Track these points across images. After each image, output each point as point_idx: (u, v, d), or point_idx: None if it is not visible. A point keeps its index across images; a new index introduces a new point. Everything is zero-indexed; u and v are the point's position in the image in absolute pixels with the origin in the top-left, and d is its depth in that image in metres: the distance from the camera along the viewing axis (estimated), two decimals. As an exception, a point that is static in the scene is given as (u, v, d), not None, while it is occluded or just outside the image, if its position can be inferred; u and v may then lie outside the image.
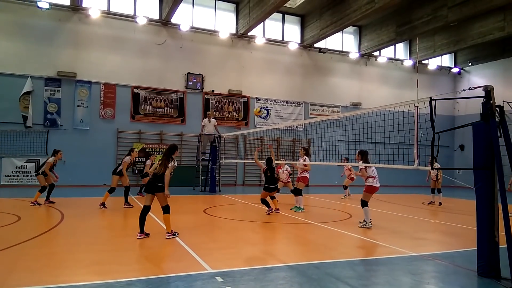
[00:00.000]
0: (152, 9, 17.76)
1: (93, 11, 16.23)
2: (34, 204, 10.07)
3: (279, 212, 9.86)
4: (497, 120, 4.88)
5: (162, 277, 4.50)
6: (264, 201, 9.84)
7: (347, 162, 13.41)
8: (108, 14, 16.87)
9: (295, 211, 10.25)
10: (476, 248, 4.96)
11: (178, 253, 5.65)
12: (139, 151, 16.74)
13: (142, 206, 6.73)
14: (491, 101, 4.85)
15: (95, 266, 4.91)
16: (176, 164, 7.01)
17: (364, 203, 8.23)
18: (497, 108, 4.91)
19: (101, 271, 4.71)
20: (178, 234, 6.71)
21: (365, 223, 8.22)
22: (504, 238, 4.58)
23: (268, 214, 9.64)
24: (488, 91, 4.90)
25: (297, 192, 10.44)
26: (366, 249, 6.36)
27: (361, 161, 8.30)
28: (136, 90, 17.22)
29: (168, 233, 6.60)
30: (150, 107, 17.46)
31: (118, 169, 10.58)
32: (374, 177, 8.28)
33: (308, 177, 10.64)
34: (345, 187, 14.54)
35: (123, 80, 16.98)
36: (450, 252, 6.27)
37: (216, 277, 4.48)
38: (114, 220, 8.96)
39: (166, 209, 6.68)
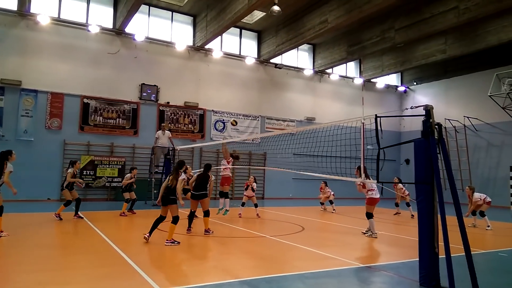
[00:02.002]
0: (106, 18, 17.29)
1: (43, 17, 15.49)
2: (57, 217, 10.12)
3: (208, 234, 8.66)
4: (436, 137, 5.19)
5: (106, 297, 4.29)
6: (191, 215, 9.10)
7: (326, 186, 15.00)
8: (58, 21, 16.18)
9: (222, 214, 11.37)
10: (418, 259, 5.21)
11: (126, 272, 5.42)
12: (87, 163, 16.06)
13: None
14: (431, 120, 5.17)
15: (36, 287, 4.60)
16: (185, 177, 8.96)
17: (369, 215, 8.90)
18: (436, 126, 5.23)
19: (39, 293, 4.42)
20: (179, 243, 7.34)
21: (370, 233, 8.92)
22: (443, 249, 4.85)
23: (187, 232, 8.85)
24: (428, 110, 5.22)
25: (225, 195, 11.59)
26: (316, 261, 6.47)
27: (360, 177, 8.49)
28: (86, 100, 16.54)
29: (167, 240, 7.31)
30: (101, 118, 16.81)
31: (65, 183, 10.46)
32: (373, 190, 8.88)
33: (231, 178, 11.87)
34: (322, 203, 15.22)
35: (72, 89, 16.26)
36: (396, 263, 6.54)
37: (165, 296, 4.35)
38: (58, 237, 8.46)
39: (175, 220, 7.48)
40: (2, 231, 7.73)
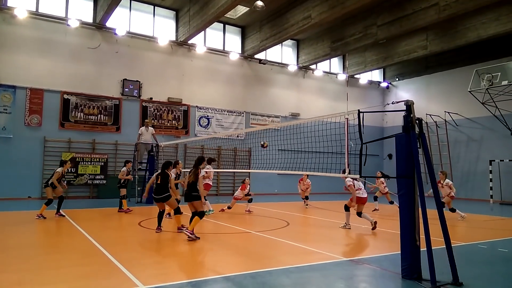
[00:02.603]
0: (86, 12, 16.92)
1: (20, 11, 15.06)
2: (39, 217, 9.77)
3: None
4: (417, 132, 5.27)
5: (88, 296, 4.22)
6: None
7: (307, 178, 14.77)
8: (36, 15, 15.76)
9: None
10: (400, 252, 5.29)
11: (108, 270, 5.35)
12: (69, 160, 15.73)
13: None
14: (412, 115, 5.24)
15: (16, 287, 4.49)
16: (204, 173, 8.71)
17: (359, 214, 9.20)
18: (417, 121, 5.31)
19: (18, 293, 4.32)
20: (199, 238, 7.45)
21: (345, 224, 9.49)
22: (424, 241, 4.94)
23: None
24: (409, 105, 5.29)
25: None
26: (301, 256, 6.51)
27: (346, 178, 8.85)
28: (66, 96, 16.19)
29: (190, 232, 7.42)
30: (82, 114, 16.50)
31: (50, 181, 10.25)
32: (360, 189, 9.14)
33: (210, 184, 11.81)
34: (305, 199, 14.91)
35: (52, 85, 15.89)
36: (378, 256, 6.63)
37: (148, 293, 4.31)
38: (39, 236, 8.29)
39: (200, 214, 7.70)
40: None
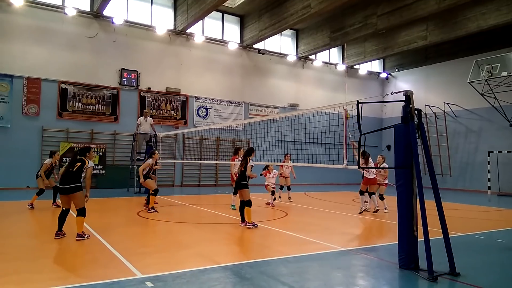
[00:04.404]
0: (83, 0, 16.72)
1: (16, -2, 14.90)
2: (30, 206, 9.83)
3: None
4: (415, 122, 5.25)
5: (86, 285, 4.23)
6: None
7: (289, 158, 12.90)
8: (33, 3, 15.56)
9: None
10: (397, 242, 5.31)
11: (106, 259, 5.36)
12: (66, 150, 15.72)
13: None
14: (411, 105, 5.21)
15: (13, 276, 4.52)
16: (253, 164, 8.50)
17: (370, 194, 10.54)
18: (416, 112, 5.28)
19: (20, 280, 4.35)
20: (257, 225, 7.80)
21: (364, 209, 10.54)
22: (422, 232, 4.95)
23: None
24: (408, 96, 5.26)
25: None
26: (299, 246, 6.53)
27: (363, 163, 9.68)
28: (63, 86, 16.08)
29: (249, 223, 7.81)
30: (80, 103, 16.41)
31: (39, 172, 10.29)
32: (368, 171, 10.29)
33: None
34: (288, 188, 13.35)
35: (49, 74, 15.77)
36: (375, 246, 6.67)
37: (146, 283, 4.31)
38: (34, 225, 8.30)
39: (248, 203, 7.85)
40: None
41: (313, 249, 6.26)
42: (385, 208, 10.76)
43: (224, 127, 19.07)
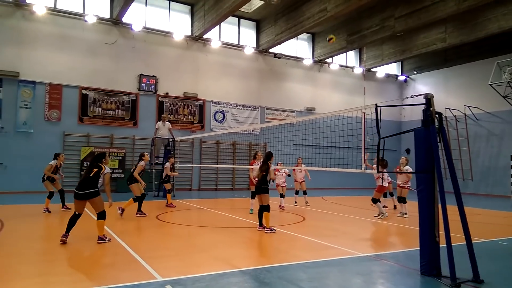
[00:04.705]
0: (103, 8, 17.10)
1: (38, 7, 15.32)
2: (46, 211, 9.88)
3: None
4: (436, 126, 5.16)
5: (108, 287, 4.31)
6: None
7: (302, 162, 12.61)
8: (55, 11, 16.01)
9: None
10: (419, 248, 5.22)
11: (126, 262, 5.44)
12: (87, 155, 16.04)
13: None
14: (431, 108, 5.13)
15: (37, 278, 4.63)
16: (273, 167, 8.40)
17: (375, 200, 10.28)
18: (437, 115, 5.20)
19: (43, 283, 4.45)
20: (274, 230, 7.81)
21: (382, 214, 10.27)
22: (444, 238, 4.85)
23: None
24: (429, 99, 5.18)
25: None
26: (317, 251, 6.49)
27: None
28: (84, 91, 16.46)
29: (267, 228, 7.82)
30: (100, 109, 16.76)
31: (45, 175, 10.34)
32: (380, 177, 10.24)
33: None
34: (305, 193, 13.11)
35: (71, 80, 16.16)
36: (396, 252, 6.56)
37: (166, 286, 4.35)
38: (57, 228, 8.47)
39: (267, 208, 7.87)
40: None
41: (331, 254, 6.20)
42: (405, 213, 10.58)
43: (241, 131, 19.14)
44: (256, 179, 8.49)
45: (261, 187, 8.11)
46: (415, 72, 24.84)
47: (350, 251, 6.34)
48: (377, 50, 22.75)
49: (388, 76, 25.01)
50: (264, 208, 7.96)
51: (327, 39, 12.76)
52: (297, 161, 12.64)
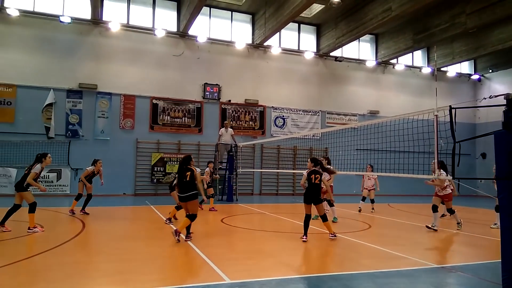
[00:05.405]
0: (170, 22, 18.13)
1: (113, 24, 16.68)
2: (71, 213, 10.07)
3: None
4: (520, 128, 4.74)
5: (181, 287, 4.53)
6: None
7: (372, 170, 12.47)
8: (127, 27, 17.30)
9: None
10: (500, 260, 4.82)
11: (197, 264, 5.69)
12: (157, 160, 17.03)
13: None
14: (514, 110, 4.73)
15: (117, 276, 4.98)
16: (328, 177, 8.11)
17: (435, 209, 9.15)
18: (520, 117, 4.78)
19: (123, 280, 4.78)
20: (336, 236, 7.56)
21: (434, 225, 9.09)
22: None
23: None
24: (510, 99, 4.79)
25: (330, 203, 10.43)
26: (386, 260, 6.25)
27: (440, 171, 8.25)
28: (154, 101, 17.53)
29: (331, 234, 7.67)
30: (168, 117, 17.73)
31: (80, 178, 10.60)
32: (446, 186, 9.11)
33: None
34: (372, 201, 12.96)
35: (142, 91, 17.32)
36: (473, 264, 6.11)
37: (235, 288, 4.49)
38: (134, 229, 9.07)
39: (324, 217, 7.66)
40: (35, 227, 7.71)
41: (401, 264, 5.95)
42: (458, 223, 9.49)
43: (301, 137, 19.07)
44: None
45: (317, 197, 7.59)
46: (490, 71, 22.99)
47: (422, 261, 6.03)
48: (447, 49, 21.42)
49: (460, 75, 23.43)
50: (323, 218, 7.73)
51: None
52: (367, 168, 12.48)
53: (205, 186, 11.72)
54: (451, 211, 9.38)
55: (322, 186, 7.84)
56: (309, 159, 7.92)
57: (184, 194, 7.24)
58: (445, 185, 9.04)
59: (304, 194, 7.71)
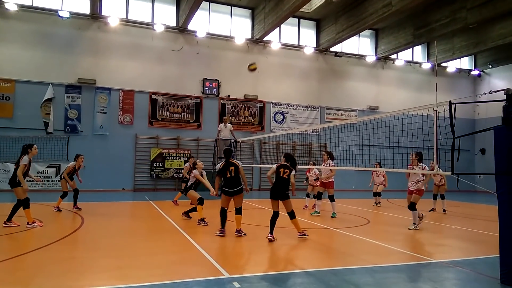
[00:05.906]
0: (169, 17, 18.03)
1: (112, 19, 16.59)
2: (56, 210, 9.92)
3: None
4: (519, 124, 4.74)
5: (180, 282, 4.54)
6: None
7: (380, 167, 12.52)
8: (126, 22, 17.21)
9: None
10: (498, 255, 4.84)
11: (196, 259, 5.69)
12: (156, 156, 17.02)
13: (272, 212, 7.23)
14: (513, 105, 4.73)
15: (116, 271, 4.98)
16: (294, 172, 7.36)
17: (412, 207, 8.49)
18: (519, 112, 4.77)
19: (121, 275, 4.79)
20: (307, 235, 7.25)
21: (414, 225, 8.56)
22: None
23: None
24: (510, 95, 4.79)
25: (331, 198, 10.38)
26: (385, 255, 6.27)
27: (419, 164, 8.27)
28: (153, 96, 17.48)
29: (299, 233, 7.23)
30: (168, 112, 17.70)
31: (62, 175, 10.43)
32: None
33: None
34: (379, 194, 13.40)
35: (141, 86, 17.26)
36: (472, 259, 6.13)
37: (233, 283, 4.49)
38: (133, 224, 9.08)
39: (292, 215, 7.16)
40: (34, 222, 7.72)
41: (400, 259, 5.97)
42: (414, 224, 8.88)
43: (301, 132, 19.06)
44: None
45: (283, 192, 7.28)
46: (490, 66, 22.95)
47: (421, 257, 6.05)
48: (447, 44, 21.36)
49: (460, 70, 23.39)
50: (291, 215, 7.26)
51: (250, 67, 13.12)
52: (375, 165, 12.80)
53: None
54: (412, 207, 8.47)
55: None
56: (283, 155, 7.70)
57: (233, 189, 7.32)
58: (421, 178, 8.48)
59: (271, 189, 7.32)
